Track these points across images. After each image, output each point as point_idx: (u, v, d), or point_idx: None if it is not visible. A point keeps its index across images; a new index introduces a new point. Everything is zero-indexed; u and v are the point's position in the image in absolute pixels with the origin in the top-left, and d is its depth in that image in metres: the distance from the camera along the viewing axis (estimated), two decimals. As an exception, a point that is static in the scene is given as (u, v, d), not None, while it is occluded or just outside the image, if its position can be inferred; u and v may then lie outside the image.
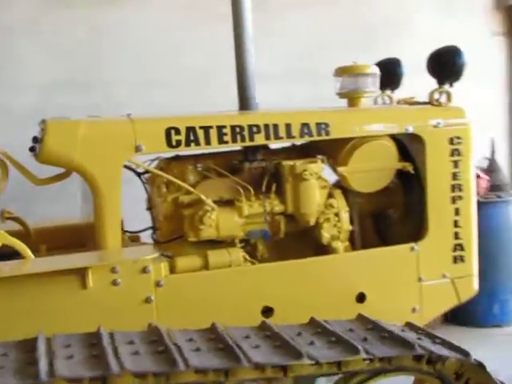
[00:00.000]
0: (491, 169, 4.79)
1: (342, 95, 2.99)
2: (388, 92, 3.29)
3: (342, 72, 2.96)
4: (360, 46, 4.72)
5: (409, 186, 3.01)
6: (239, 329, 2.18)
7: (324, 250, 2.87)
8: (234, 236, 2.73)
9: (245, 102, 2.92)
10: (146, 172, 2.83)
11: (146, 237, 2.97)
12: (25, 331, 2.07)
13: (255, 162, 2.82)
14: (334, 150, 2.86)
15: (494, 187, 4.71)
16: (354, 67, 2.94)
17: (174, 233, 2.78)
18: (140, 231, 2.94)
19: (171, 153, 2.70)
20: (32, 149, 2.53)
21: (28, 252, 2.46)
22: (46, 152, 2.46)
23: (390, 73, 3.19)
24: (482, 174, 4.57)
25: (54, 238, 2.95)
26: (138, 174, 2.85)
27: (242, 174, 2.81)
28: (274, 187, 2.75)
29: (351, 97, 2.96)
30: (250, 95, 2.91)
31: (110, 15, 4.39)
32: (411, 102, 3.08)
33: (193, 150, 2.65)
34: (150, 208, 2.94)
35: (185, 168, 2.81)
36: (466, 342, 2.26)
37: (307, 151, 2.94)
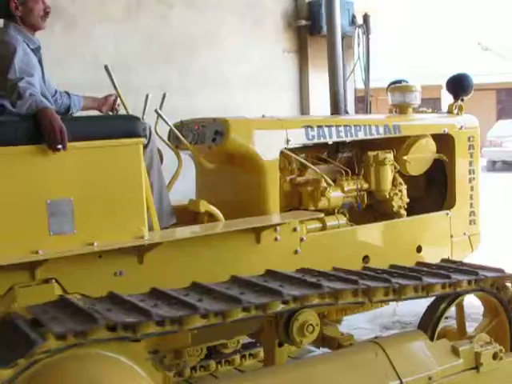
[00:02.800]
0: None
1: (394, 106, 4.11)
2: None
3: (394, 89, 4.08)
4: (164, 60, 5.39)
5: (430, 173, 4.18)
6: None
7: (382, 216, 3.95)
8: (336, 206, 3.72)
9: (337, 108, 3.96)
10: None
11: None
12: (215, 275, 2.88)
13: (346, 153, 3.86)
14: (392, 144, 3.92)
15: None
16: (404, 86, 4.08)
17: (288, 205, 3.71)
18: None
19: (307, 144, 3.65)
20: (214, 139, 3.35)
21: (221, 216, 3.29)
22: (229, 142, 3.31)
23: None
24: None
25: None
26: None
27: (336, 161, 3.83)
28: (362, 170, 3.80)
29: (401, 107, 4.08)
30: (341, 105, 3.95)
31: None
32: (434, 112, 4.27)
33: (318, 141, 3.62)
34: None
35: (291, 158, 3.74)
36: None
37: (367, 145, 3.97)
